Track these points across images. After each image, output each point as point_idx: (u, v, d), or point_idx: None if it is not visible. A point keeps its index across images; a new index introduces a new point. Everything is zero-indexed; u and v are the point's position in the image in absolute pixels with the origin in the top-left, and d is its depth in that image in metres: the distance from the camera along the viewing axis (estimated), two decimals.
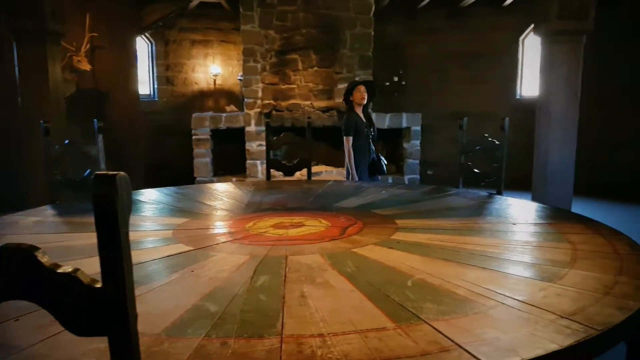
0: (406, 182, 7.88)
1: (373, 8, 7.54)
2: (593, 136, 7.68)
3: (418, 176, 8.20)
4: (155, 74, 9.38)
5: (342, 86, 7.55)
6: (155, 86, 9.42)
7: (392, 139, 8.36)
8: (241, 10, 7.46)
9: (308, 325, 1.10)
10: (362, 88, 4.52)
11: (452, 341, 1.01)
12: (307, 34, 7.47)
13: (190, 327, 1.12)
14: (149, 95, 9.41)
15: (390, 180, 7.74)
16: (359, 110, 4.58)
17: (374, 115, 4.93)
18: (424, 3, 8.24)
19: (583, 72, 4.58)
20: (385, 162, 4.91)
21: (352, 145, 4.49)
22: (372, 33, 7.57)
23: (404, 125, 8.08)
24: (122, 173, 0.71)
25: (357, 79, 4.92)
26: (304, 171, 3.88)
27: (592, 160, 7.57)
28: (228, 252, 1.75)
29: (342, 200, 2.75)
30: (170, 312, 1.20)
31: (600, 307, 1.19)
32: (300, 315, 1.16)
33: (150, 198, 2.89)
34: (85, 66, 6.97)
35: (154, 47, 9.33)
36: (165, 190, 3.10)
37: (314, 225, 2.13)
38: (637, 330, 1.50)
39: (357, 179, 4.47)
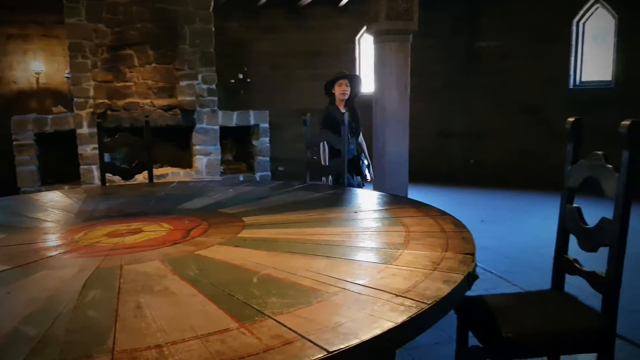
0: (257, 179, 7.90)
1: (212, 3, 7.39)
2: (426, 127, 8.46)
3: (269, 173, 8.28)
4: None
5: (185, 83, 7.31)
6: None
7: (241, 137, 8.32)
8: (65, 1, 6.78)
9: (144, 338, 1.02)
10: (344, 82, 4.25)
11: (296, 332, 1.00)
12: (143, 28, 7.06)
13: (4, 356, 0.97)
14: None
15: (241, 178, 7.69)
16: (341, 105, 4.30)
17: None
18: (263, 0, 8.30)
19: (413, 68, 4.98)
20: (368, 163, 4.52)
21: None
22: (213, 29, 7.42)
23: (252, 122, 8.08)
24: None
25: (342, 72, 4.44)
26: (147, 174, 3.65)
27: (426, 149, 8.33)
28: (52, 268, 1.56)
29: (186, 202, 2.63)
30: None
31: (429, 282, 1.28)
32: (135, 328, 1.07)
33: None
34: None
35: None
36: None
37: (154, 230, 2.00)
38: (463, 299, 1.65)
39: (331, 182, 4.12)
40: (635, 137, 1.60)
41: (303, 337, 0.98)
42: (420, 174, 7.42)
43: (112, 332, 1.05)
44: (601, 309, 1.74)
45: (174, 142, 7.75)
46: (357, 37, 8.98)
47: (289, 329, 1.02)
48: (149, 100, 7.22)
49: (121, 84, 7.11)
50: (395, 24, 4.50)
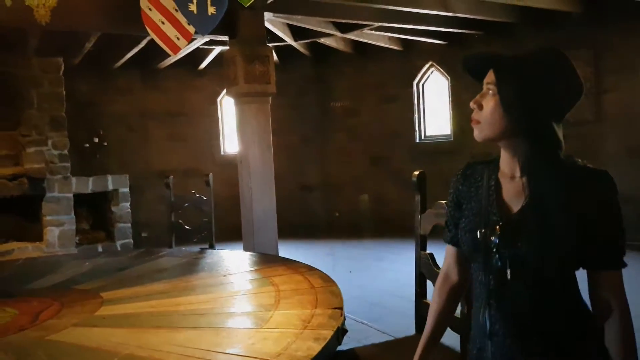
0: (119, 248, 7.38)
1: (62, 67, 7.01)
2: (289, 183, 8.68)
3: (131, 240, 7.78)
4: None
5: (32, 150, 6.73)
6: None
7: (98, 203, 7.78)
8: None
9: None
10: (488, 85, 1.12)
11: None
12: None
13: None
14: None
15: (99, 249, 7.13)
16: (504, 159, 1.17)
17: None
18: (119, 64, 8.07)
19: (274, 127, 5.15)
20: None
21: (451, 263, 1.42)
22: (64, 92, 7.01)
23: (110, 187, 7.62)
24: None
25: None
26: None
27: (289, 203, 8.52)
28: None
29: (35, 281, 2.38)
30: None
31: (300, 342, 1.29)
32: None
33: None
34: None
35: None
36: None
37: None
38: (335, 355, 1.68)
39: None
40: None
41: None
42: (287, 229, 7.52)
43: None
44: (460, 349, 1.87)
45: (20, 214, 7.00)
46: (218, 99, 9.06)
47: None
48: None
49: None
50: (253, 87, 4.64)
